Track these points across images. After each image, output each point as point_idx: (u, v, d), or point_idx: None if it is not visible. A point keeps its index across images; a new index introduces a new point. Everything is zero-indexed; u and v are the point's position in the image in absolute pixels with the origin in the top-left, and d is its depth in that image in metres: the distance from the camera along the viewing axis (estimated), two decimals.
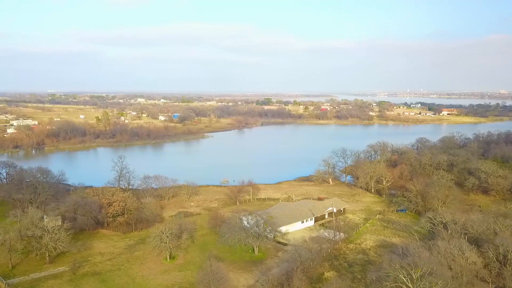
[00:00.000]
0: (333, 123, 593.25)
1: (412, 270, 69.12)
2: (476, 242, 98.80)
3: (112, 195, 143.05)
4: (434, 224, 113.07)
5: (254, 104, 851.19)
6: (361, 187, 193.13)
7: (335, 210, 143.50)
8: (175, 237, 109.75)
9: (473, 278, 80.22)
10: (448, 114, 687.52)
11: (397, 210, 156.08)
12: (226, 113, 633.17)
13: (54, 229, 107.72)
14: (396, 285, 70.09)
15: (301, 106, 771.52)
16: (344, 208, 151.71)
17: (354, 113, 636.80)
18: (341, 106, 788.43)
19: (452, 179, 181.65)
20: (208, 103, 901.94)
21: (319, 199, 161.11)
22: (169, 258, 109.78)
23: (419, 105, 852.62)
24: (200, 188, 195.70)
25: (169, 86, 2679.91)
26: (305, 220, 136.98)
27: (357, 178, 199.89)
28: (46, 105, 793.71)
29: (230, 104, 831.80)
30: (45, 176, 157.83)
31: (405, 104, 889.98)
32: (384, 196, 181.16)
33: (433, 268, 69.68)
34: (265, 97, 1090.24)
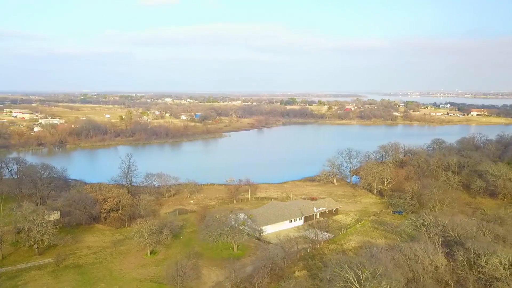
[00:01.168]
0: (355, 123, 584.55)
1: (360, 271, 68.50)
2: (456, 244, 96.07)
3: (108, 191, 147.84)
4: (416, 226, 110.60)
5: (278, 104, 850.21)
6: (363, 188, 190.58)
7: (316, 210, 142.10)
8: (156, 233, 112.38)
9: (434, 281, 78.17)
10: (477, 114, 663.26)
11: (393, 212, 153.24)
12: (248, 113, 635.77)
13: (42, 223, 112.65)
14: (345, 285, 69.69)
15: (325, 106, 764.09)
16: (337, 208, 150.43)
17: (378, 113, 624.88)
18: (366, 106, 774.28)
19: (460, 181, 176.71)
20: (233, 103, 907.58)
21: (312, 199, 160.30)
22: (150, 253, 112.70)
23: (448, 105, 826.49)
24: (204, 187, 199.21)
25: (198, 86, 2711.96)
26: (293, 220, 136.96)
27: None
28: (76, 104, 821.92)
29: (254, 104, 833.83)
30: (48, 172, 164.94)
31: (434, 104, 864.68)
32: (385, 197, 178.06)
33: (383, 269, 68.61)
34: (291, 97, 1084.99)
